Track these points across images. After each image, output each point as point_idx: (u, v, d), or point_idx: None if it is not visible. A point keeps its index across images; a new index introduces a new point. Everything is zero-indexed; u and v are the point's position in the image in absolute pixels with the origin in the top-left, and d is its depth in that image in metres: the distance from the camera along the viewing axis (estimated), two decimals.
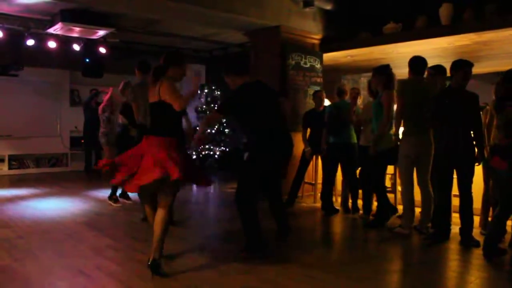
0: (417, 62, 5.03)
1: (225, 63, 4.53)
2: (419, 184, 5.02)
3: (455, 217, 4.87)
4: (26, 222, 5.55)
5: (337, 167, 6.29)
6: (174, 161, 3.56)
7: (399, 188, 6.26)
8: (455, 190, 4.75)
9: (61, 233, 5.08)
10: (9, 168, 10.38)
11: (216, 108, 4.50)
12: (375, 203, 5.70)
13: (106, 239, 4.81)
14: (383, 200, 5.40)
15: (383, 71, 5.30)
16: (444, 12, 6.38)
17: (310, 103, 7.60)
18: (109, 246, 4.56)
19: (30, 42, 8.79)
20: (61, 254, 4.27)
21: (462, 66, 4.63)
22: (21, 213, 6.08)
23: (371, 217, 5.70)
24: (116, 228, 5.42)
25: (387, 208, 5.45)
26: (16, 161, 10.53)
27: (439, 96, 4.74)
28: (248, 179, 4.18)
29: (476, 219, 4.90)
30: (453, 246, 4.65)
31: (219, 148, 11.15)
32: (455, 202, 4.81)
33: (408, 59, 5.08)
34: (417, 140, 4.87)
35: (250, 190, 4.15)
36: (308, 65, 7.67)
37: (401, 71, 8.90)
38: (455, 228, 4.82)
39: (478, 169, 4.78)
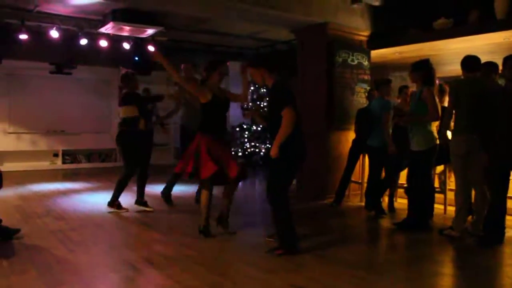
0: (469, 62, 4.86)
1: (265, 59, 4.46)
2: (472, 184, 4.86)
3: (510, 220, 4.68)
4: (79, 215, 5.77)
5: (380, 167, 6.18)
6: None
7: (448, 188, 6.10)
8: (510, 192, 4.57)
9: (112, 226, 5.25)
10: (63, 163, 10.82)
11: (288, 107, 4.04)
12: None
13: (155, 233, 4.93)
14: (417, 202, 5.21)
15: (421, 66, 5.13)
16: (499, 5, 6.12)
17: (357, 101, 7.49)
18: (158, 240, 4.67)
19: (83, 42, 9.14)
20: (112, 247, 4.41)
21: (506, 60, 4.52)
22: (74, 206, 6.32)
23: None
24: (165, 223, 5.54)
25: (420, 211, 5.25)
26: (69, 156, 10.96)
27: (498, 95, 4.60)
28: (283, 176, 4.21)
29: None
30: (508, 250, 4.47)
31: (264, 145, 11.18)
32: (510, 204, 4.62)
33: (460, 55, 4.93)
34: (467, 139, 4.71)
35: (283, 187, 4.19)
36: (355, 62, 7.55)
37: (452, 68, 8.63)
38: (510, 232, 4.64)
39: None
